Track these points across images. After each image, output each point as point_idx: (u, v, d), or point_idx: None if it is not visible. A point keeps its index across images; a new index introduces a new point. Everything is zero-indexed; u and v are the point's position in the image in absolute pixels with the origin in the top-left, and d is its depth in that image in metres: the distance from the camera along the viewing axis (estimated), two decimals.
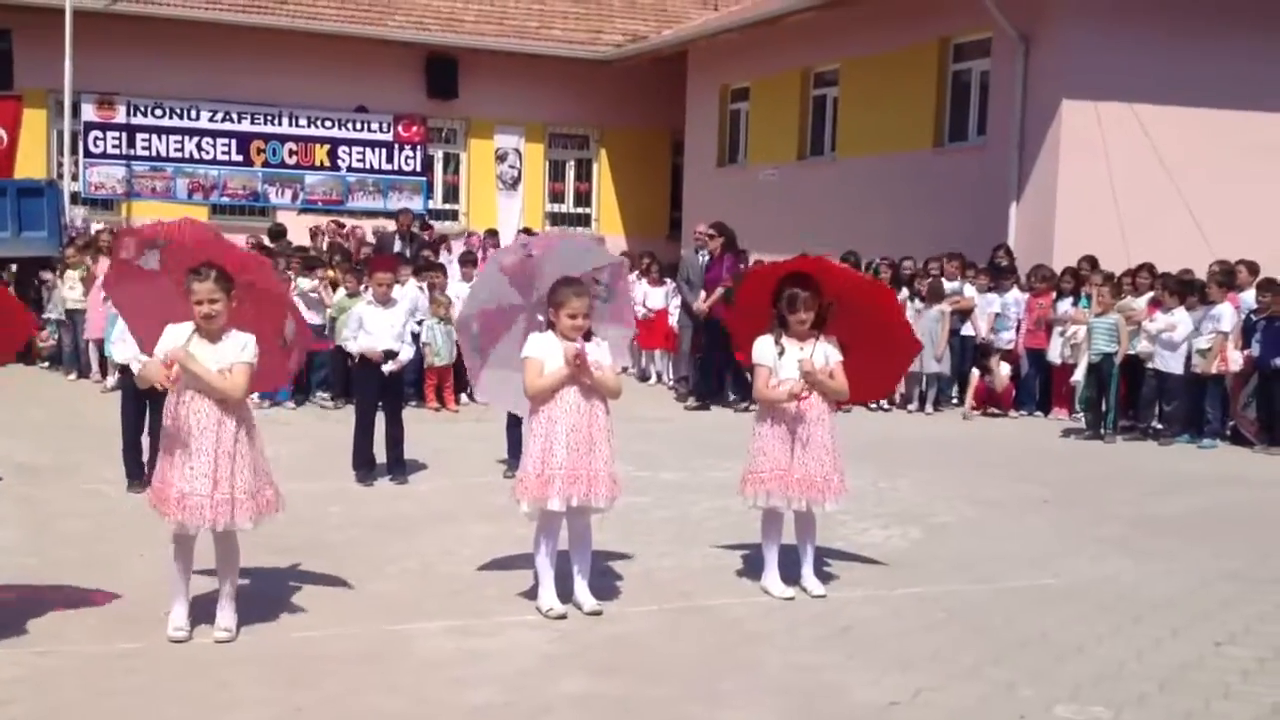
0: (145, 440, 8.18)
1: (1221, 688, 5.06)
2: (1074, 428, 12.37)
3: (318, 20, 21.44)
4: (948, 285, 13.69)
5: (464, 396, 12.79)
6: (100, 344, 13.34)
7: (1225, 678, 5.18)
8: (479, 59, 22.46)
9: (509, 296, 6.45)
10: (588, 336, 5.80)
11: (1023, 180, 15.51)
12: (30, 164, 19.44)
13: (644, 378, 15.79)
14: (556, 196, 24.39)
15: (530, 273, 6.36)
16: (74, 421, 11.22)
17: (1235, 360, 11.48)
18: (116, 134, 21.09)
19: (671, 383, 14.85)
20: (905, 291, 13.52)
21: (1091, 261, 13.51)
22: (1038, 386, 13.55)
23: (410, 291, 12.23)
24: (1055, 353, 13.08)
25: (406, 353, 9.10)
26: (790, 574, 6.29)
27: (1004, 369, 13.20)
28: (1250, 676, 5.22)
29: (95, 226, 17.49)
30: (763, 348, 6.20)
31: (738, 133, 21.88)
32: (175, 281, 5.39)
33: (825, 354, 6.17)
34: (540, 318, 6.11)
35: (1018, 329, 13.60)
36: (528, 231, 15.99)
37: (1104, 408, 11.82)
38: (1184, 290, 11.91)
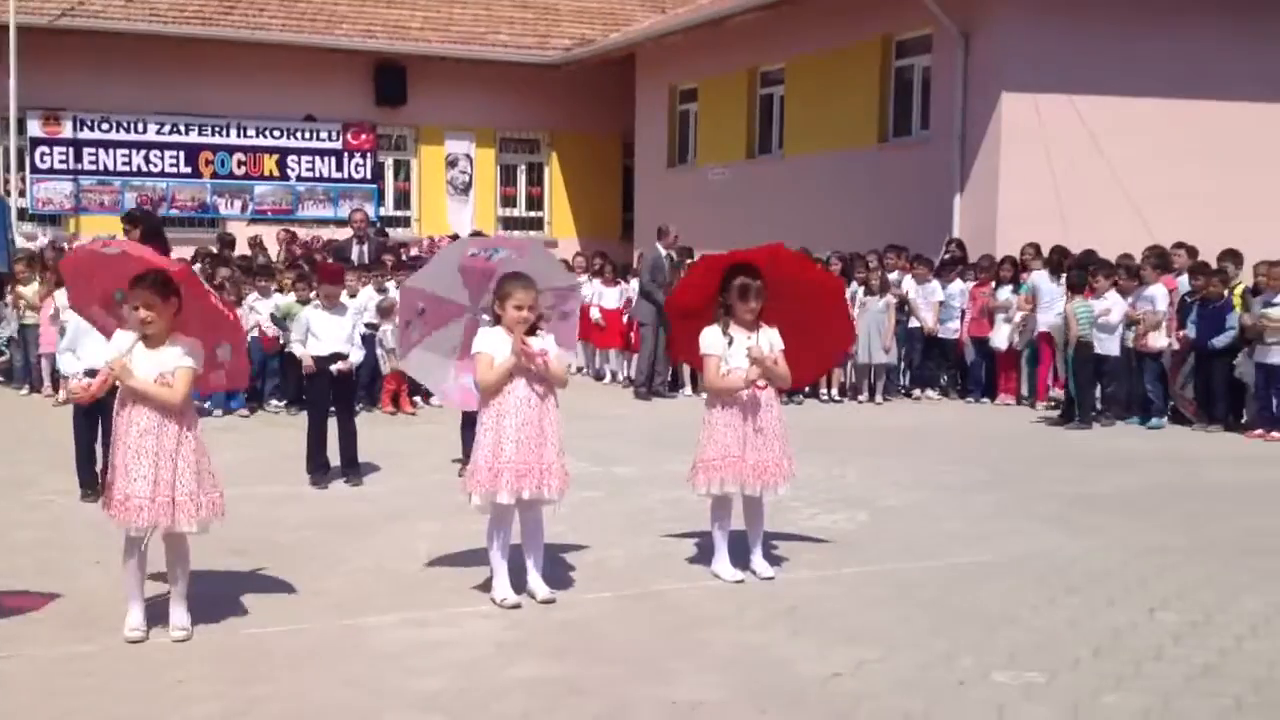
0: (100, 450, 8.21)
1: (1154, 650, 5.24)
2: (1044, 415, 12.53)
3: (264, 30, 21.42)
4: (890, 278, 13.90)
5: (419, 399, 12.86)
6: (53, 359, 13.33)
7: (1158, 641, 5.36)
8: (427, 65, 22.51)
9: (456, 294, 6.53)
10: (532, 332, 5.90)
11: (965, 172, 15.75)
12: None
13: (599, 376, 15.93)
14: (508, 201, 24.48)
15: (489, 276, 6.44)
16: (26, 435, 11.18)
17: (1159, 339, 11.76)
18: (63, 149, 21.00)
19: (626, 381, 14.99)
20: (855, 285, 13.72)
21: (1035, 249, 13.75)
22: (984, 373, 13.77)
23: (364, 299, 12.29)
24: (1000, 339, 13.33)
25: (356, 355, 9.17)
26: (740, 558, 6.42)
27: None
28: (1181, 639, 5.40)
29: (41, 241, 17.38)
30: (711, 338, 6.32)
31: (687, 133, 22.05)
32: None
33: (770, 341, 6.31)
34: (485, 317, 6.20)
35: (962, 318, 13.82)
36: (478, 234, 16.04)
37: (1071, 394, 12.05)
38: (1110, 271, 12.22)
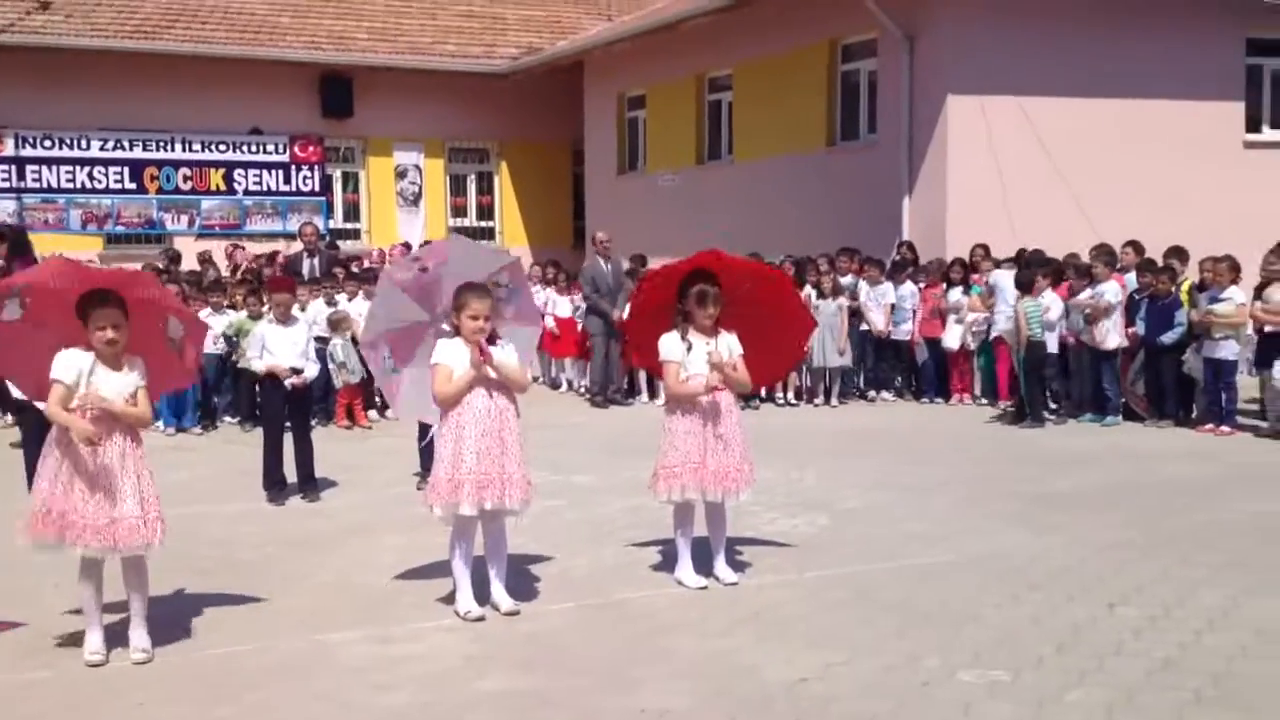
0: None
1: (1114, 646, 5.31)
2: (997, 415, 12.59)
3: (208, 44, 21.20)
4: (843, 281, 13.98)
5: (374, 413, 12.78)
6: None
7: (1118, 636, 5.43)
8: (373, 76, 22.39)
9: (412, 313, 6.51)
10: (492, 340, 5.88)
11: (913, 175, 15.87)
12: None
13: (555, 385, 15.90)
14: (459, 211, 24.38)
15: (429, 286, 6.41)
16: None
17: (1112, 338, 11.90)
18: (5, 167, 20.69)
19: (583, 389, 14.98)
20: (808, 288, 13.78)
21: (985, 250, 13.88)
22: (935, 373, 13.88)
23: (314, 312, 12.20)
24: (953, 339, 13.44)
25: (311, 370, 9.10)
26: (703, 565, 6.43)
27: None
28: (1141, 634, 5.47)
29: None
30: (670, 344, 6.34)
31: (636, 140, 22.07)
32: (38, 323, 5.33)
33: (728, 346, 6.34)
34: (446, 327, 6.18)
35: (914, 319, 13.92)
36: (427, 244, 15.96)
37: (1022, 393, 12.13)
38: (1047, 270, 12.39)
